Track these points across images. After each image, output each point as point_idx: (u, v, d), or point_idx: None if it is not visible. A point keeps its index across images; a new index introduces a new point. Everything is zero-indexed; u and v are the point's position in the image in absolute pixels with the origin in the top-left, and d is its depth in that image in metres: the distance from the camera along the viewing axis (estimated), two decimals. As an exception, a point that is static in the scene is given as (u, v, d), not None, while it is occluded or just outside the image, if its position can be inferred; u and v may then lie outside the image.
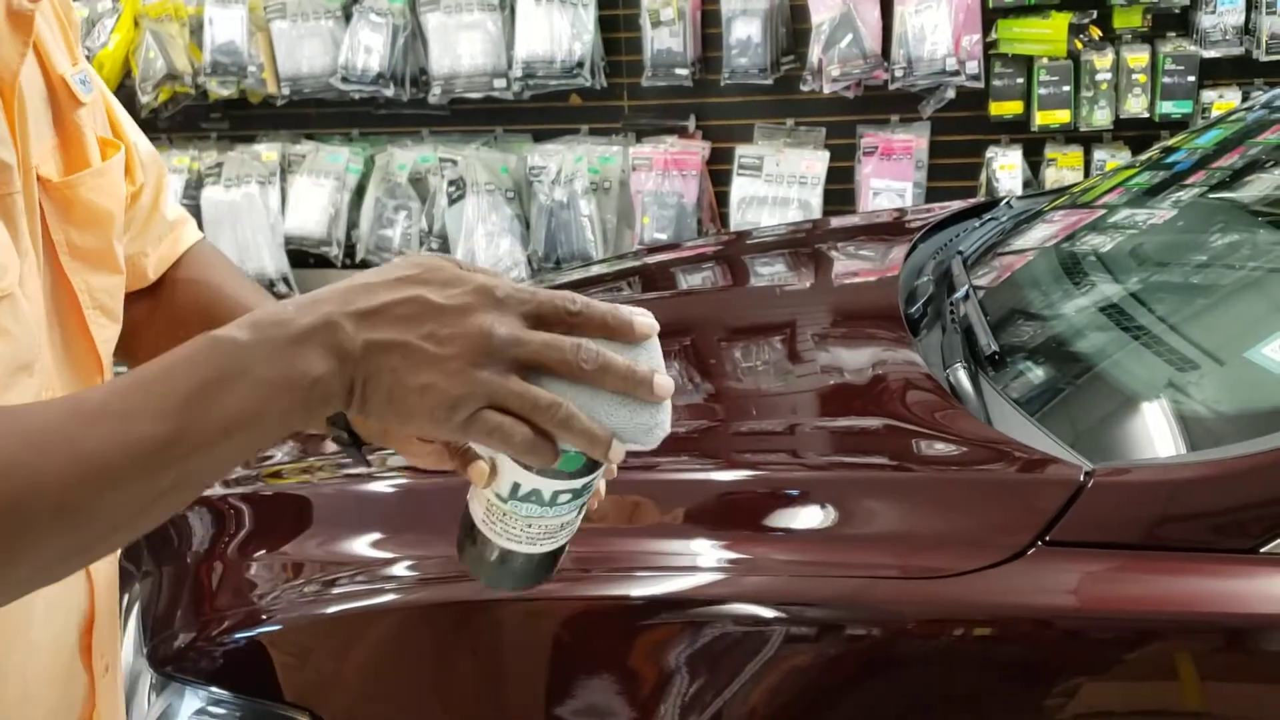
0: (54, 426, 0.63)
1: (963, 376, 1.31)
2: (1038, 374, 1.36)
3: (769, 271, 2.22)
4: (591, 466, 0.74)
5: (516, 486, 0.74)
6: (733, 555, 1.15)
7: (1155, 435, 1.19)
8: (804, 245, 2.36)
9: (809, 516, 1.18)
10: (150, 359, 0.67)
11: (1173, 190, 1.85)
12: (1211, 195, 1.75)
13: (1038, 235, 1.90)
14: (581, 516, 0.78)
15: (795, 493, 1.22)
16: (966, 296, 1.57)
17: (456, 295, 0.66)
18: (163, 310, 0.98)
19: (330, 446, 1.59)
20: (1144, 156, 2.19)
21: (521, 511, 0.75)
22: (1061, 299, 1.51)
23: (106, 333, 0.85)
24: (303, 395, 0.64)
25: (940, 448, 1.23)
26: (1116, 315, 1.39)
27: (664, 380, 0.68)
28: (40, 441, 0.62)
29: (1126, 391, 1.28)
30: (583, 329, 0.68)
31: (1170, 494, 1.04)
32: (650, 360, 0.70)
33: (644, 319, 0.69)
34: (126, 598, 1.49)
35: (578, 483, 0.74)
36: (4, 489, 0.60)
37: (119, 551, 1.00)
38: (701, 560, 1.15)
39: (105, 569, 0.92)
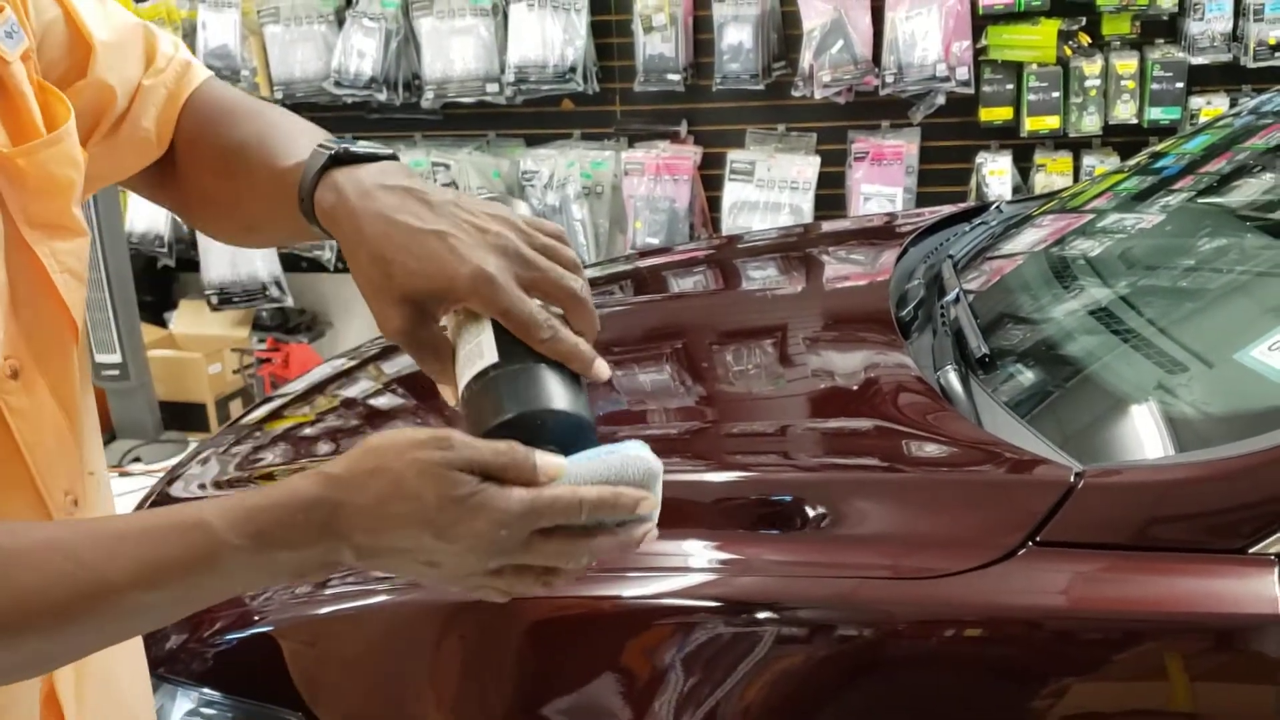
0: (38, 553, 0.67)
1: (953, 379, 1.32)
2: (1028, 376, 1.36)
3: (761, 275, 2.23)
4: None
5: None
6: (725, 556, 1.16)
7: (1144, 437, 1.20)
8: (796, 249, 2.37)
9: (801, 518, 1.19)
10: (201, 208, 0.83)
11: (1161, 195, 1.86)
12: (1200, 200, 1.76)
13: (1027, 239, 1.91)
14: None
15: (787, 494, 1.22)
16: (957, 300, 1.58)
17: (458, 537, 0.68)
18: (183, 179, 0.94)
19: (324, 449, 1.60)
20: (1133, 161, 2.20)
21: None
22: (1051, 302, 1.52)
23: (76, 295, 0.84)
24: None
25: (931, 449, 1.24)
26: (1106, 318, 1.40)
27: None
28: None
29: (1116, 393, 1.29)
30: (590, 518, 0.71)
31: (1160, 495, 1.05)
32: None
33: (648, 504, 0.73)
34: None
35: None
36: None
37: None
38: (693, 561, 1.16)
39: None
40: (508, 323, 0.74)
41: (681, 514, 1.23)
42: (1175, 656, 1.00)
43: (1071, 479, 1.05)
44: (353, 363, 2.09)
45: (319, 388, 1.99)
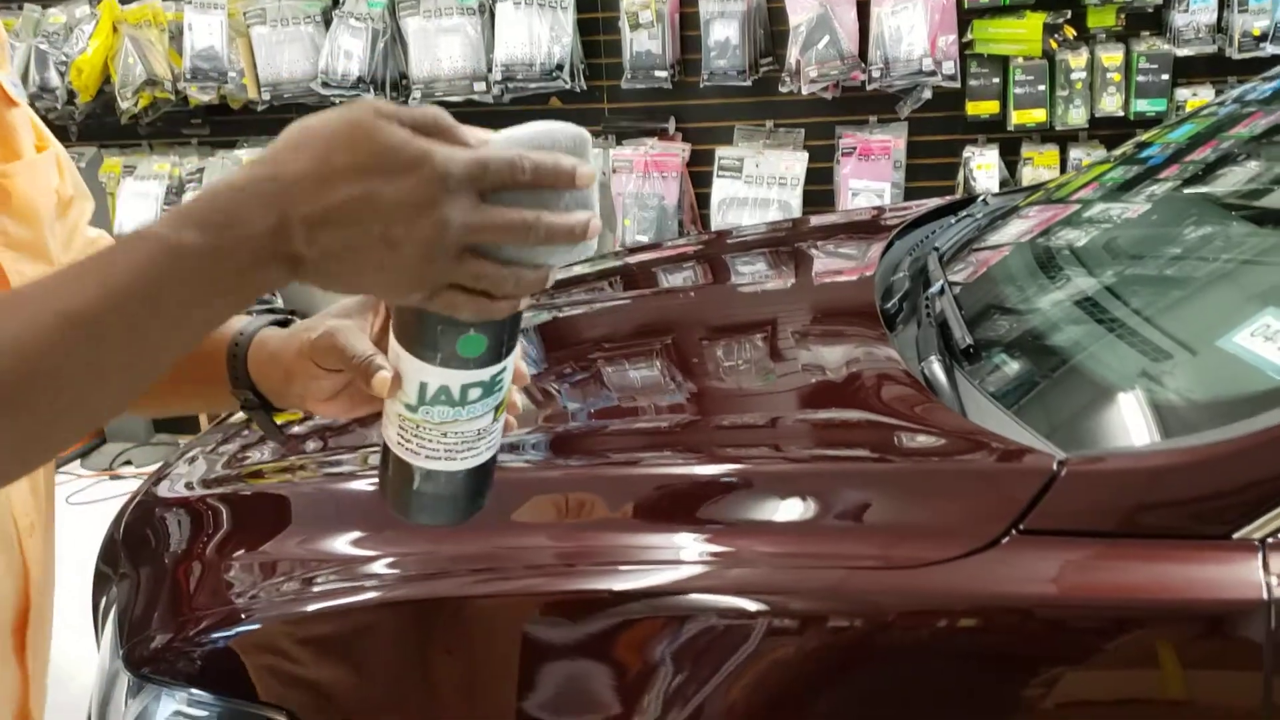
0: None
1: (937, 369, 1.32)
2: (1012, 366, 1.37)
3: (748, 270, 2.23)
4: (494, 355, 0.72)
5: (423, 388, 0.72)
6: (712, 548, 1.16)
7: (1129, 424, 1.20)
8: (783, 244, 2.37)
9: (787, 509, 1.19)
10: None
11: (1146, 184, 1.86)
12: (1184, 189, 1.76)
13: (1012, 231, 1.92)
14: (499, 426, 0.75)
15: (773, 485, 1.22)
16: (941, 291, 1.58)
17: (408, 188, 0.63)
18: None
19: (311, 446, 1.59)
20: (1118, 151, 2.21)
21: (434, 417, 0.73)
22: (1035, 292, 1.52)
23: None
24: (249, 299, 0.67)
25: (915, 439, 1.24)
26: (1090, 308, 1.40)
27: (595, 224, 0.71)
28: None
29: (1100, 382, 1.29)
30: (532, 187, 0.67)
31: (1144, 481, 1.04)
32: (588, 201, 0.71)
33: (585, 169, 0.69)
34: (104, 599, 1.49)
35: (485, 373, 0.72)
36: None
37: (53, 547, 1.01)
38: (682, 554, 1.16)
39: (39, 562, 0.92)
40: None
41: (669, 505, 1.23)
42: (1162, 643, 0.99)
43: (1054, 467, 1.05)
44: None
45: None
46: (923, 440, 1.22)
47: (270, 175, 0.65)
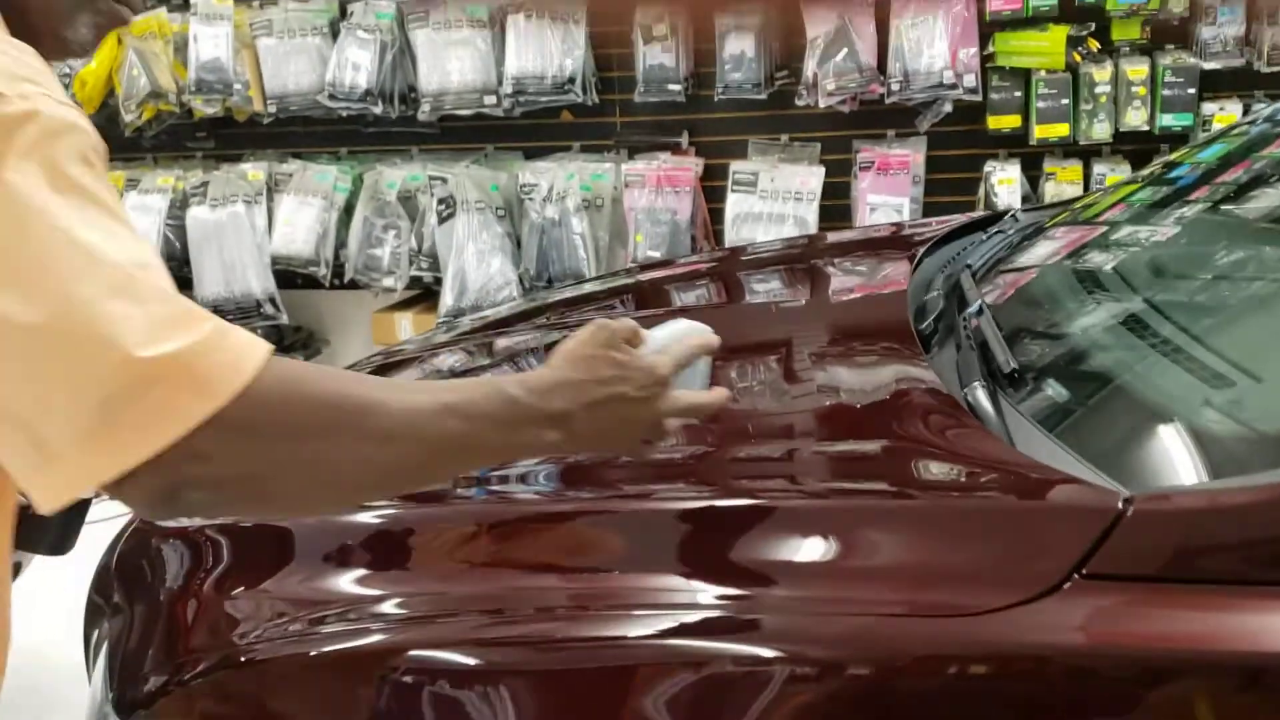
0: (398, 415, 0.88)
1: (981, 395, 1.23)
2: (1059, 393, 1.28)
3: (769, 289, 2.16)
4: None
5: None
6: (734, 591, 1.07)
7: (1191, 458, 1.12)
8: (801, 261, 2.29)
9: (818, 548, 1.11)
10: None
11: (1187, 204, 1.79)
12: (1229, 207, 1.69)
13: (1048, 249, 1.84)
14: None
15: (804, 522, 1.14)
16: (980, 311, 1.50)
17: (643, 389, 0.98)
18: None
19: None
20: (1148, 170, 2.13)
21: None
22: (1080, 314, 1.44)
23: None
24: (534, 450, 1.02)
25: (963, 473, 1.16)
26: (1141, 330, 1.32)
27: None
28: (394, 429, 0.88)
29: (1158, 411, 1.20)
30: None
31: (1218, 522, 0.96)
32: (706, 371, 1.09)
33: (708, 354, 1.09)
34: (96, 633, 1.41)
35: None
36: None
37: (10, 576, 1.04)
38: (701, 597, 1.08)
39: None
40: None
41: (688, 544, 1.15)
42: (1244, 699, 0.91)
43: (1119, 505, 0.96)
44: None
45: None
46: (972, 474, 1.14)
47: (565, 379, 0.96)
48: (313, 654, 1.12)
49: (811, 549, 1.10)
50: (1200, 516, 0.97)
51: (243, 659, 1.14)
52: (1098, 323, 1.41)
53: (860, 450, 1.28)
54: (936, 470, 1.18)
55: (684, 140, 3.87)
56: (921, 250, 1.93)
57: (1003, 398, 1.27)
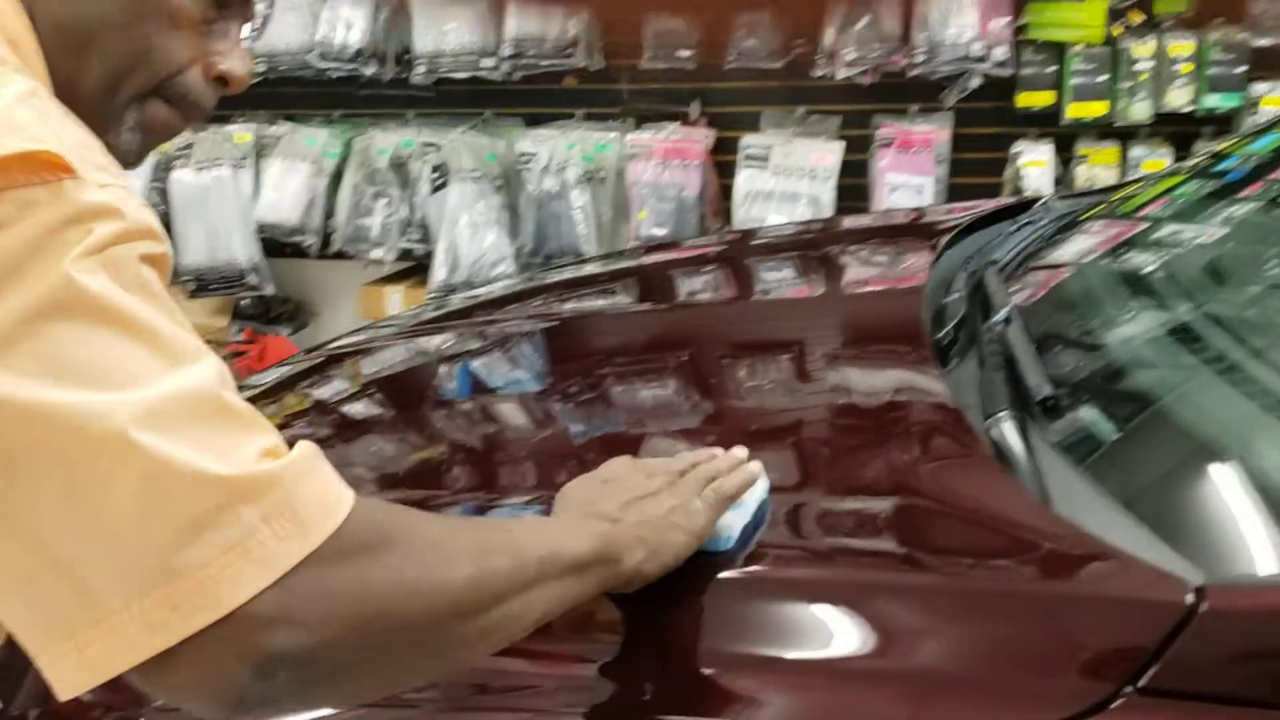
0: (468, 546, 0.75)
1: (1010, 433, 1.01)
2: (1108, 430, 1.06)
3: (773, 283, 1.94)
4: None
5: None
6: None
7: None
8: (815, 249, 2.07)
9: (772, 638, 0.87)
10: None
11: (1240, 201, 1.56)
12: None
13: (1092, 245, 1.61)
14: None
15: (747, 599, 0.91)
16: (1008, 321, 1.28)
17: (680, 500, 0.93)
18: None
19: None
20: (1193, 161, 1.89)
21: None
22: (1136, 329, 1.21)
23: None
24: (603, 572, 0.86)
25: (974, 539, 0.93)
26: (1220, 358, 1.09)
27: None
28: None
29: (1247, 467, 0.96)
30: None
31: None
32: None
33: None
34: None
35: None
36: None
37: None
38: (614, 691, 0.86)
39: None
40: None
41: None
42: None
43: (1189, 599, 0.75)
44: (328, 357, 1.83)
45: (288, 384, 1.73)
46: (988, 544, 0.91)
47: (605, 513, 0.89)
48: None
49: (764, 637, 0.87)
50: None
51: None
52: (1161, 342, 1.18)
53: (839, 507, 1.02)
54: (939, 536, 0.95)
55: (694, 110, 3.64)
56: (942, 241, 1.70)
57: (1035, 434, 1.05)
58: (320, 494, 0.65)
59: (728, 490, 0.96)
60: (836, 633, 0.85)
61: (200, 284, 3.94)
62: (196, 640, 0.59)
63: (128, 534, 0.59)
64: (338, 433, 1.52)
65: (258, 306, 4.14)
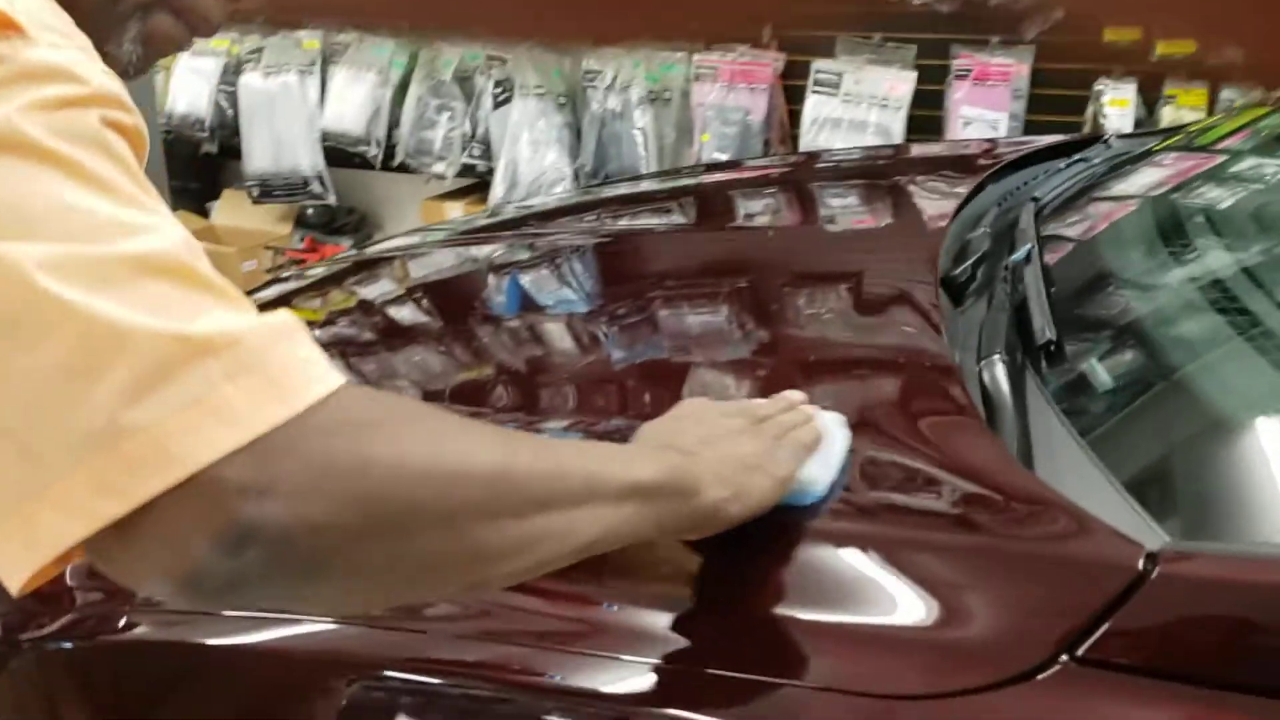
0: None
1: (999, 376, 0.94)
2: (1110, 380, 0.98)
3: (839, 207, 1.86)
4: None
5: None
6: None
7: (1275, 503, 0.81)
8: (868, 177, 1.99)
9: (705, 588, 0.82)
10: None
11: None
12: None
13: (1141, 183, 1.51)
14: None
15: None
16: (1028, 259, 1.20)
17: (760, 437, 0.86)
18: None
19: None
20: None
21: None
22: (1162, 275, 1.12)
23: None
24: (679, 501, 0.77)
25: (927, 487, 0.86)
26: (1241, 311, 1.00)
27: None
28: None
29: (1250, 437, 0.88)
30: None
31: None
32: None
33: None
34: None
35: None
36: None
37: None
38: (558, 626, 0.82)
39: None
40: None
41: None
42: None
43: (1141, 564, 0.68)
44: (379, 256, 1.80)
45: (336, 279, 1.71)
46: (942, 492, 0.84)
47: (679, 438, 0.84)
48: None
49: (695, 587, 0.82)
50: (1262, 590, 0.68)
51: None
52: (1188, 295, 1.10)
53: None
54: (886, 483, 0.89)
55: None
56: (983, 175, 1.61)
57: (1031, 379, 0.98)
58: (301, 361, 0.57)
59: (806, 440, 0.87)
60: (762, 571, 0.79)
61: (264, 189, 3.95)
62: (156, 507, 0.52)
63: (70, 393, 0.53)
64: (377, 337, 1.49)
65: (322, 216, 4.15)
